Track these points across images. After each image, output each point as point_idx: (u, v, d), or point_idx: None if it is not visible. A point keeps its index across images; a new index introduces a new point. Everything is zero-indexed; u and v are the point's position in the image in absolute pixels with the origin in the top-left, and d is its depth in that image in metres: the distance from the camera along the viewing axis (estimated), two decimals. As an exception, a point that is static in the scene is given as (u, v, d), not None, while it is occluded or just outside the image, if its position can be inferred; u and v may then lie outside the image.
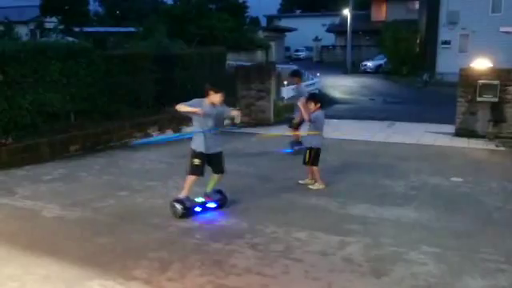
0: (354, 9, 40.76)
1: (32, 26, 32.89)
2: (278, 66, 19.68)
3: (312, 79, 23.47)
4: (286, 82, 17.01)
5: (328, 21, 53.98)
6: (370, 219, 5.97)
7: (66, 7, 39.23)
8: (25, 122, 9.57)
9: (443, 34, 30.08)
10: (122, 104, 11.88)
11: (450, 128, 12.09)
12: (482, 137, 11.41)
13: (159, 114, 12.38)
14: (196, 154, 6.14)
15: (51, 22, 34.43)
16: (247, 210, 6.35)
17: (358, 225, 5.75)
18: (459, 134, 11.71)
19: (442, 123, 12.78)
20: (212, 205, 6.28)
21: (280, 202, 6.74)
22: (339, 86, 27.42)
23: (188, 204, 6.05)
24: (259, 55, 37.25)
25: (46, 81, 10.05)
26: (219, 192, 6.44)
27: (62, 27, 31.79)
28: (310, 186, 7.32)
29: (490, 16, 27.82)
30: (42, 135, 9.67)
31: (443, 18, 29.79)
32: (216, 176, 6.34)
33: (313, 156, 7.32)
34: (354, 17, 39.26)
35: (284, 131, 10.43)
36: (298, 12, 68.41)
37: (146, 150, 10.11)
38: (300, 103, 7.77)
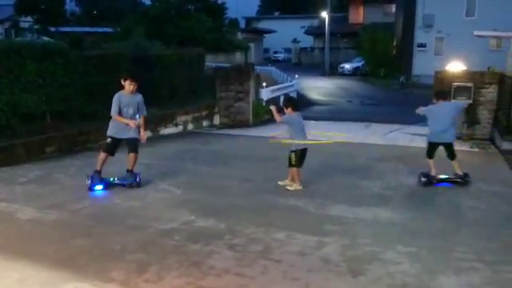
0: (332, 11, 41.15)
1: (7, 26, 32.32)
2: (256, 67, 19.74)
3: (290, 81, 23.60)
4: (264, 84, 17.08)
5: (306, 23, 54.36)
6: (347, 220, 6.04)
7: (42, 6, 38.65)
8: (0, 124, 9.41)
9: (419, 36, 30.62)
10: (100, 105, 11.74)
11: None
12: (457, 138, 11.62)
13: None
14: (108, 137, 7.44)
15: (26, 22, 33.92)
16: (226, 210, 6.37)
17: (335, 225, 5.81)
18: (434, 135, 11.92)
19: (418, 125, 12.98)
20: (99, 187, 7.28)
21: (259, 202, 6.77)
22: (317, 87, 27.65)
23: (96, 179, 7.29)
24: (238, 57, 37.31)
25: (22, 81, 9.88)
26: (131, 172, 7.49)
27: (37, 27, 31.33)
28: (288, 187, 7.37)
29: (464, 20, 28.42)
30: (18, 136, 9.51)
31: (419, 21, 30.34)
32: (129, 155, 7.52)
33: (298, 158, 7.36)
34: (332, 19, 39.65)
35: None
36: (276, 14, 68.78)
37: (123, 152, 10.01)
38: (272, 106, 7.79)
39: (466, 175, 7.69)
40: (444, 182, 7.67)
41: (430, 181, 7.61)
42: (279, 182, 7.54)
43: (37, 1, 38.52)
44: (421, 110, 7.99)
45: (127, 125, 7.29)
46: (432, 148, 7.84)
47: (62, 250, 5.07)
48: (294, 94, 20.33)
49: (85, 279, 4.39)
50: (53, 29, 29.16)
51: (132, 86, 7.31)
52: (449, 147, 7.76)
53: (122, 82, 7.29)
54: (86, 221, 5.98)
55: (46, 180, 7.92)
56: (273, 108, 7.61)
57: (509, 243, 5.35)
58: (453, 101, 7.93)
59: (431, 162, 7.76)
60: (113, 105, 7.24)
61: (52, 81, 10.55)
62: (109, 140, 7.45)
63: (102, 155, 7.41)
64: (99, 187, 7.26)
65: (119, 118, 7.26)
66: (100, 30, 33.65)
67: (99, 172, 7.38)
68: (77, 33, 28.83)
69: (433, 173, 7.68)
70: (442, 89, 9.75)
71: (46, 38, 21.34)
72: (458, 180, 7.64)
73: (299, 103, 7.86)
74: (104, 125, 10.76)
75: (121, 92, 7.34)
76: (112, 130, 7.42)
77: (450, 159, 7.78)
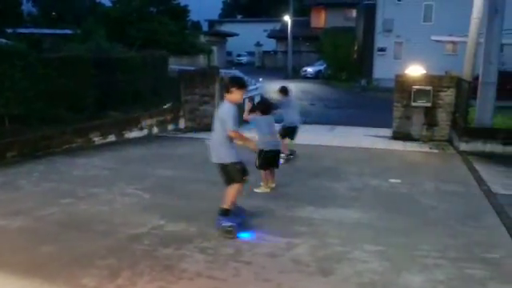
0: (295, 15, 41.65)
1: (-41, 26, 31.04)
2: (220, 70, 19.73)
3: (255, 84, 23.69)
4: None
5: (269, 26, 54.76)
6: (315, 221, 6.16)
7: (-3, 7, 37.38)
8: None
9: (379, 41, 31.40)
10: (62, 109, 11.53)
11: (388, 132, 12.66)
12: (417, 140, 12.05)
13: (101, 119, 12.11)
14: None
15: (-19, 23, 32.70)
16: (196, 214, 6.37)
17: (304, 226, 5.92)
18: (396, 137, 12.29)
19: (379, 127, 13.35)
20: None
21: (228, 205, 6.80)
22: (281, 90, 27.85)
23: None
24: (201, 60, 37.15)
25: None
26: None
27: (-8, 28, 30.27)
28: (256, 190, 7.41)
29: (421, 25, 29.36)
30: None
31: (379, 25, 31.12)
32: None
33: (260, 158, 7.42)
34: (294, 23, 40.12)
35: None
36: (239, 17, 69.00)
37: (90, 156, 9.87)
38: (247, 106, 7.86)
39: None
40: None
41: None
42: (255, 190, 7.42)
43: (-9, 1, 37.27)
44: None
45: None
46: None
47: (29, 257, 4.96)
48: (258, 98, 20.41)
49: (55, 286, 4.32)
50: (9, 30, 28.20)
51: None
52: None
53: None
54: (53, 227, 5.86)
55: (9, 186, 7.70)
56: (247, 105, 7.66)
57: (469, 240, 5.59)
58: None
59: None
60: None
61: (10, 84, 10.28)
62: None
63: None
64: None
65: None
66: (59, 31, 32.77)
67: None
68: (35, 34, 27.99)
69: None
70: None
71: (2, 40, 20.67)
72: None
73: (270, 107, 7.89)
74: (66, 129, 10.62)
75: None
76: None
77: None
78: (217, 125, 5.65)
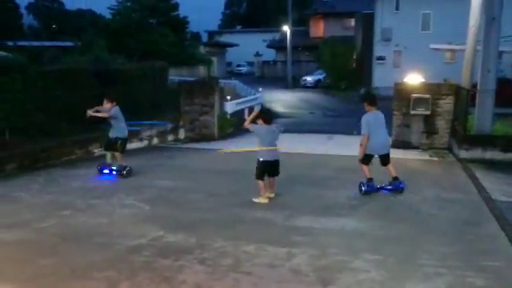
0: (294, 25, 41.79)
1: (-40, 40, 31.22)
2: (220, 81, 19.80)
3: (254, 94, 23.75)
4: (229, 97, 17.15)
5: (268, 36, 54.92)
6: (315, 230, 6.14)
7: (-2, 20, 37.66)
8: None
9: (378, 50, 31.48)
10: (61, 121, 11.54)
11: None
12: (417, 148, 12.04)
13: (101, 131, 12.09)
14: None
15: (-19, 36, 32.89)
16: (195, 225, 6.36)
17: (303, 236, 5.90)
18: (395, 145, 12.24)
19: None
20: (114, 172, 9.20)
21: (227, 216, 6.80)
22: (280, 100, 27.93)
23: (101, 166, 9.35)
24: (201, 70, 37.28)
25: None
26: (120, 166, 9.19)
27: (-7, 41, 30.43)
28: (254, 199, 7.40)
29: (420, 33, 29.44)
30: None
31: (378, 34, 31.21)
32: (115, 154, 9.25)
33: (257, 168, 7.42)
34: (293, 33, 40.24)
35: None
36: (238, 28, 69.26)
37: (90, 168, 9.87)
38: (247, 115, 7.94)
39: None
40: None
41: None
42: (254, 200, 7.40)
43: (-8, 14, 37.57)
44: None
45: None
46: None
47: (28, 269, 4.95)
48: (258, 107, 20.46)
49: (53, 299, 4.31)
50: (10, 43, 28.34)
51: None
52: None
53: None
54: (52, 239, 5.85)
55: (8, 198, 7.70)
56: (251, 115, 7.69)
57: (470, 248, 5.57)
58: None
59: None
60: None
61: (11, 96, 10.30)
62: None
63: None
64: (106, 171, 9.24)
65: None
66: (59, 43, 32.97)
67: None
68: (35, 47, 28.14)
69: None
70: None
71: (2, 53, 20.76)
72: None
73: (272, 117, 7.90)
74: (66, 141, 10.63)
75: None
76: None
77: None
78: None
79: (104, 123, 9.52)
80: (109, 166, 9.31)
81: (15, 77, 10.45)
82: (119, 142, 9.20)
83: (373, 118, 8.04)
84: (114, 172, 9.21)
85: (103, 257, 5.28)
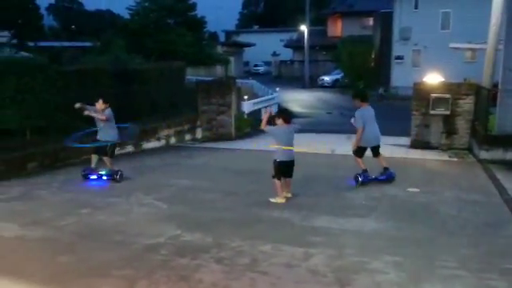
0: (311, 25, 41.65)
1: (-18, 41, 31.83)
2: (237, 80, 19.85)
3: (272, 94, 23.75)
4: (246, 97, 17.18)
5: (286, 36, 54.84)
6: (332, 230, 6.10)
7: (19, 21, 38.24)
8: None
9: (396, 49, 31.20)
10: (81, 120, 11.64)
11: (406, 140, 12.52)
12: (436, 148, 11.89)
13: (119, 130, 12.20)
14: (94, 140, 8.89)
15: (3, 37, 33.47)
16: (212, 224, 6.37)
17: (321, 236, 5.87)
18: (414, 145, 12.15)
19: (397, 136, 13.20)
20: (104, 177, 8.72)
21: (244, 215, 6.80)
22: (298, 100, 27.88)
23: (87, 171, 8.78)
24: (218, 70, 37.42)
25: (1, 97, 9.78)
26: (111, 171, 8.73)
27: (15, 42, 30.98)
28: (271, 199, 7.37)
29: (439, 32, 29.09)
30: (-3, 153, 9.37)
31: (396, 34, 30.94)
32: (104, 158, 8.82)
33: (276, 170, 7.40)
34: (311, 32, 40.14)
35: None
36: (255, 27, 69.30)
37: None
38: (265, 115, 7.86)
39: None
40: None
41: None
42: (271, 200, 7.38)
43: (14, 15, 38.13)
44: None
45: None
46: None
47: (48, 267, 5.01)
48: (275, 107, 20.45)
49: (72, 296, 4.36)
50: (31, 43, 28.83)
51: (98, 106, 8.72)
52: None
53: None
54: (71, 237, 5.92)
55: (29, 197, 7.82)
56: (264, 116, 7.66)
57: (490, 250, 5.47)
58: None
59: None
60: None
61: (32, 96, 10.45)
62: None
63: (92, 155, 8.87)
64: (93, 177, 8.70)
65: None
66: (79, 44, 33.44)
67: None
68: (55, 47, 28.59)
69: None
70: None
71: (24, 53, 21.11)
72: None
73: (291, 116, 7.87)
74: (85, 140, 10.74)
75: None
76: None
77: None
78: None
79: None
80: (95, 172, 8.77)
81: (36, 77, 10.59)
82: (109, 145, 8.80)
83: (367, 112, 8.53)
84: (103, 177, 8.70)
85: (121, 255, 5.32)
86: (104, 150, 8.79)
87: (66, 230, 6.21)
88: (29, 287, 4.56)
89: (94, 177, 8.72)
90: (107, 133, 8.75)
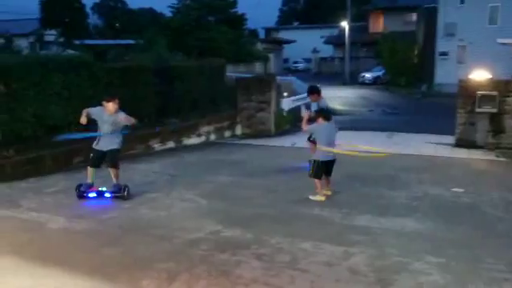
0: (352, 21, 41.12)
1: (32, 39, 33.04)
2: (277, 77, 19.79)
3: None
4: (285, 94, 17.11)
5: (326, 33, 54.37)
6: (373, 230, 6.01)
7: (66, 20, 39.51)
8: (26, 135, 9.62)
9: (441, 45, 30.38)
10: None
11: (450, 139, 12.17)
12: (482, 147, 11.50)
13: (161, 126, 12.44)
14: (91, 149, 7.52)
15: (51, 35, 34.63)
16: (252, 220, 6.40)
17: (361, 235, 5.79)
18: (459, 144, 11.80)
19: (441, 134, 12.86)
20: (107, 194, 7.39)
21: (284, 212, 6.79)
22: (338, 97, 27.53)
23: (82, 188, 7.36)
24: (258, 67, 37.45)
25: (48, 93, 10.11)
26: (117, 186, 7.40)
27: (62, 40, 31.99)
28: (310, 197, 7.33)
29: (486, 27, 28.12)
30: (44, 147, 9.70)
31: (440, 29, 30.12)
32: (109, 169, 7.49)
33: (314, 168, 7.36)
34: (351, 28, 39.64)
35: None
36: (295, 24, 69.03)
37: (150, 162, 10.17)
38: (305, 115, 7.84)
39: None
40: None
41: None
42: (311, 197, 7.33)
43: (61, 14, 39.44)
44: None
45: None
46: None
47: (93, 258, 5.17)
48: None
49: (117, 287, 4.47)
50: (77, 41, 29.67)
51: (111, 107, 7.45)
52: None
53: (105, 102, 7.45)
54: (114, 230, 6.08)
55: (73, 190, 8.02)
56: (305, 115, 7.62)
57: (540, 254, 5.26)
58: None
59: None
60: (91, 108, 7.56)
61: (77, 93, 10.75)
62: (91, 155, 7.57)
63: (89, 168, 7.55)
64: (92, 194, 7.39)
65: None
66: (122, 42, 34.10)
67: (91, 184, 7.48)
68: (100, 45, 29.33)
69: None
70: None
71: (70, 51, 21.77)
72: None
73: (330, 114, 7.78)
74: (128, 136, 10.98)
75: (103, 108, 7.50)
76: (95, 143, 7.58)
77: None
78: None
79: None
80: (95, 189, 7.40)
81: (81, 74, 10.90)
82: (114, 153, 7.45)
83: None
84: (106, 194, 7.37)
85: (163, 249, 5.42)
86: (105, 160, 7.48)
87: (110, 223, 6.38)
88: (75, 277, 4.72)
89: (94, 194, 7.37)
90: (112, 141, 7.43)
